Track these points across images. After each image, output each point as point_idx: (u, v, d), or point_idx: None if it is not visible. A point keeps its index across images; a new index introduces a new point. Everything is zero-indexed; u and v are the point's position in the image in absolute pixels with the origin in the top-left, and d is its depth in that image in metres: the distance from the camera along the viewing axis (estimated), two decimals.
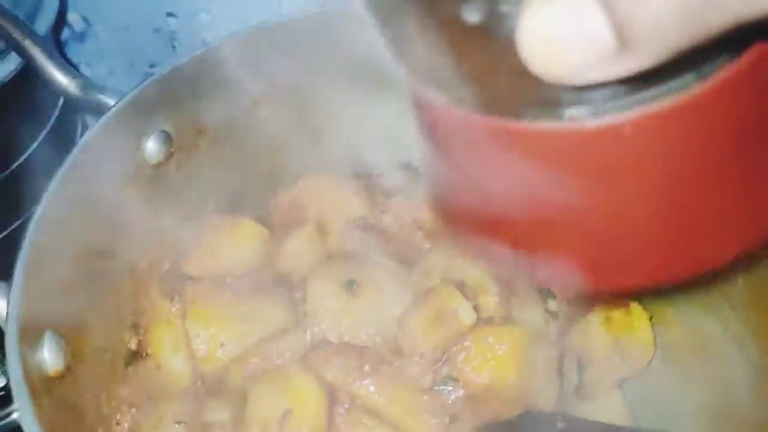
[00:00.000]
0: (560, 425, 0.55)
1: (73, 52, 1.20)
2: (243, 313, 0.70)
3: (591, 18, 0.24)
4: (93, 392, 0.59)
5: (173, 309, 0.70)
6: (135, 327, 0.67)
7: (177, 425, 0.61)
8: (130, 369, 0.66)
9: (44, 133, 0.78)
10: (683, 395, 0.79)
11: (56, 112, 0.79)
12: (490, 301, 0.72)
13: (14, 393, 0.45)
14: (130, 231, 0.66)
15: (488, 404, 0.61)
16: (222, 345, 0.68)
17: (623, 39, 0.24)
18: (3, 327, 0.48)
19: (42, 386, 0.49)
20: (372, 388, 0.59)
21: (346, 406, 0.58)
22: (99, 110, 0.64)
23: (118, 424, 0.62)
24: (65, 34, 1.18)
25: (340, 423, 0.57)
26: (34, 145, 0.79)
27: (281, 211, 0.80)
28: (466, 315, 0.68)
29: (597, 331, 0.76)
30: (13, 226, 0.75)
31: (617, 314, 0.79)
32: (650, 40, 0.24)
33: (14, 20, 0.66)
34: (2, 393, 0.65)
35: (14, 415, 0.46)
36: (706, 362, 0.79)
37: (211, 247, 0.73)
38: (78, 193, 0.58)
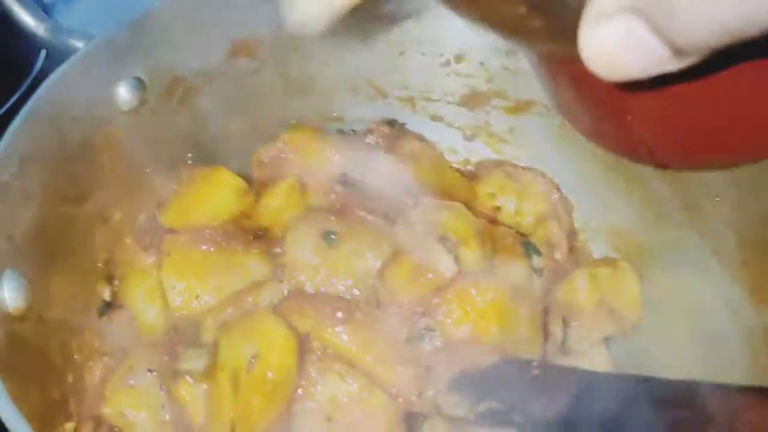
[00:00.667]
0: (535, 371, 0.54)
1: (62, 14, 1.19)
2: (219, 265, 0.69)
3: (643, 36, 0.28)
4: (61, 338, 0.58)
5: (148, 260, 0.69)
6: (109, 277, 0.66)
7: (149, 373, 0.60)
8: (104, 319, 0.65)
9: (26, 84, 0.76)
10: (671, 354, 0.78)
11: (38, 65, 0.77)
12: (472, 255, 0.70)
13: None
14: (102, 178, 0.65)
15: (465, 354, 0.59)
16: (197, 297, 0.67)
17: (674, 49, 0.28)
18: None
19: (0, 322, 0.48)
20: (344, 336, 0.58)
21: (319, 353, 0.57)
22: (70, 55, 0.62)
23: (89, 371, 0.61)
24: None
25: (311, 370, 0.56)
26: (14, 99, 0.78)
27: (262, 166, 0.78)
28: (446, 267, 0.67)
29: (582, 287, 0.75)
30: None
31: (604, 272, 0.77)
32: (697, 48, 0.28)
33: None
34: None
35: None
36: (695, 322, 0.77)
37: (187, 198, 0.72)
38: (44, 134, 0.57)
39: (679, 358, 0.78)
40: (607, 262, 0.80)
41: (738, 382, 0.72)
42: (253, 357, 0.54)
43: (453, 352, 0.61)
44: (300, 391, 0.55)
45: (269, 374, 0.53)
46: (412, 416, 0.58)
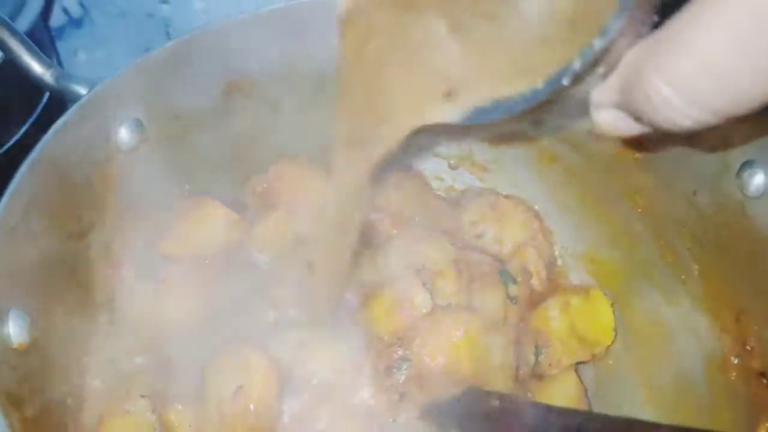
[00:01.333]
0: (494, 402, 0.58)
1: (71, 37, 1.24)
2: (212, 294, 0.74)
3: (627, 121, 0.42)
4: (61, 365, 0.63)
5: (146, 287, 0.74)
6: (108, 304, 0.71)
7: (142, 399, 0.65)
8: (102, 343, 0.69)
9: (29, 124, 0.81)
10: (640, 379, 0.82)
11: (41, 105, 0.82)
12: (450, 286, 0.74)
13: None
14: (103, 213, 0.70)
15: (438, 383, 0.64)
16: (191, 323, 0.72)
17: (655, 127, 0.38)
18: None
19: (5, 358, 0.53)
20: (324, 364, 0.63)
21: (299, 383, 0.62)
22: (74, 100, 0.67)
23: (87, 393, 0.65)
24: (62, 20, 1.21)
25: (287, 400, 0.61)
26: (18, 136, 0.83)
27: (255, 196, 0.83)
28: (423, 302, 0.71)
29: (555, 316, 0.79)
30: None
31: (576, 300, 0.81)
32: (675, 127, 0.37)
33: None
34: None
35: None
36: (664, 347, 0.81)
37: (183, 228, 0.76)
38: (47, 179, 0.61)
39: (647, 382, 0.82)
40: (581, 290, 0.84)
41: (704, 408, 0.76)
42: (237, 388, 0.59)
43: (426, 381, 0.65)
44: (280, 420, 0.60)
45: (251, 406, 0.58)
46: None
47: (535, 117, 0.85)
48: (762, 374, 0.66)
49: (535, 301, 0.82)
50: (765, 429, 0.62)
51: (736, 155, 0.67)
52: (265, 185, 0.82)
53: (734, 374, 0.71)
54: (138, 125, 0.71)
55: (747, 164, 0.66)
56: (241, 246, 0.78)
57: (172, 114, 0.75)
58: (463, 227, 0.87)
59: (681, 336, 0.80)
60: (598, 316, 0.81)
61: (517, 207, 0.88)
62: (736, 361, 0.71)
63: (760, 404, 0.64)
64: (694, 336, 0.78)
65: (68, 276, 0.66)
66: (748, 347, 0.69)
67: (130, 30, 1.21)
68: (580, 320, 0.80)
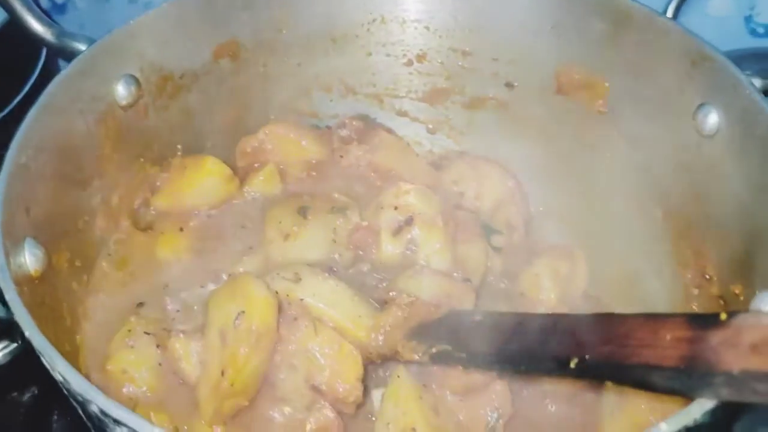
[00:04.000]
0: (477, 317, 0.63)
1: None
2: (206, 244, 0.78)
3: None
4: (68, 300, 0.66)
5: (144, 239, 0.78)
6: (108, 250, 0.75)
7: (146, 335, 0.68)
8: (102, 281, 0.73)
9: (29, 84, 0.85)
10: None
11: (40, 64, 0.85)
12: (437, 237, 0.79)
13: (3, 288, 0.52)
14: (103, 166, 0.74)
15: (422, 310, 0.68)
16: (188, 270, 0.76)
17: None
18: None
19: (24, 283, 0.56)
20: (315, 296, 0.67)
21: (294, 313, 0.66)
22: (74, 56, 0.71)
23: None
24: (47, 5, 1.25)
25: (283, 329, 0.65)
26: (20, 96, 0.86)
27: (245, 156, 0.87)
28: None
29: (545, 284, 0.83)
30: None
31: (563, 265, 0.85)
32: None
33: None
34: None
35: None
36: (631, 293, 0.86)
37: (178, 185, 0.80)
38: (54, 124, 0.65)
39: None
40: (562, 250, 0.88)
41: None
42: (238, 314, 0.62)
43: (414, 308, 0.69)
44: (278, 345, 0.64)
45: (253, 327, 0.62)
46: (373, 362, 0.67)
47: (507, 81, 0.91)
48: (720, 297, 0.71)
49: (519, 256, 0.86)
50: None
51: (692, 98, 0.73)
52: (255, 144, 0.86)
53: (695, 305, 0.77)
54: (134, 82, 0.75)
55: (702, 106, 0.72)
56: (233, 200, 0.82)
57: (166, 74, 0.79)
58: (444, 186, 0.92)
59: (647, 280, 0.85)
60: (579, 276, 0.86)
61: (495, 167, 0.93)
62: (696, 292, 0.77)
63: None
64: (659, 278, 0.83)
65: (73, 219, 0.70)
66: (706, 276, 0.74)
67: (114, 15, 1.24)
68: (565, 284, 0.84)
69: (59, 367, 0.45)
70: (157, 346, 0.68)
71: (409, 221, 0.78)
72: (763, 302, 0.61)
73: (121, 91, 0.74)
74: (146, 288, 0.74)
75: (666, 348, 0.42)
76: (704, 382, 0.40)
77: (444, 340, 0.62)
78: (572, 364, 0.48)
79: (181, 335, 0.67)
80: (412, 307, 0.67)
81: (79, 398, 0.45)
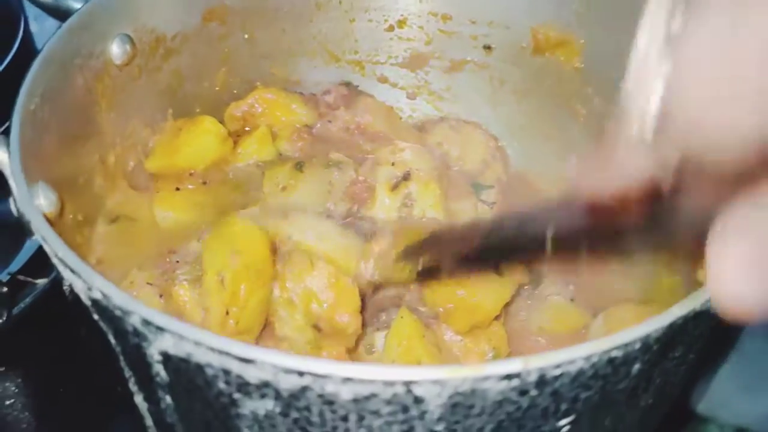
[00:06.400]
0: (457, 228, 0.66)
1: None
2: (203, 199, 0.79)
3: None
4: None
5: (141, 199, 0.78)
6: (107, 207, 0.75)
7: (148, 286, 0.69)
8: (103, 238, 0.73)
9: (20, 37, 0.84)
10: None
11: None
12: (433, 191, 0.82)
13: (31, 220, 0.52)
14: (100, 123, 0.74)
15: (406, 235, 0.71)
16: (186, 226, 0.77)
17: None
18: (5, 171, 0.55)
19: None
20: (309, 235, 0.69)
21: (286, 249, 0.68)
22: (68, 15, 0.71)
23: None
24: None
25: (279, 265, 0.67)
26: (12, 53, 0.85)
27: (234, 120, 0.88)
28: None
29: None
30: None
31: None
32: None
33: None
34: None
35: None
36: None
37: (174, 145, 0.81)
38: (58, 74, 0.66)
39: None
40: None
41: None
42: (232, 254, 0.64)
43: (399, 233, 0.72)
44: (276, 281, 0.66)
45: (249, 263, 0.63)
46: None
47: (486, 43, 0.95)
48: None
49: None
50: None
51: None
52: (245, 108, 0.87)
53: None
54: (129, 41, 0.76)
55: None
56: (227, 161, 0.83)
57: (157, 36, 0.80)
58: (430, 147, 0.95)
59: None
60: None
61: (477, 129, 0.96)
62: None
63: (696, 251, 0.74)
64: None
65: (74, 176, 0.70)
66: None
67: None
68: None
69: (97, 283, 0.46)
70: (160, 295, 0.68)
71: (406, 176, 0.81)
72: None
73: (116, 49, 0.74)
74: (146, 245, 0.75)
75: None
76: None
77: (429, 253, 0.65)
78: (548, 237, 0.50)
79: (185, 282, 0.67)
80: (398, 233, 0.70)
81: (118, 312, 0.45)
